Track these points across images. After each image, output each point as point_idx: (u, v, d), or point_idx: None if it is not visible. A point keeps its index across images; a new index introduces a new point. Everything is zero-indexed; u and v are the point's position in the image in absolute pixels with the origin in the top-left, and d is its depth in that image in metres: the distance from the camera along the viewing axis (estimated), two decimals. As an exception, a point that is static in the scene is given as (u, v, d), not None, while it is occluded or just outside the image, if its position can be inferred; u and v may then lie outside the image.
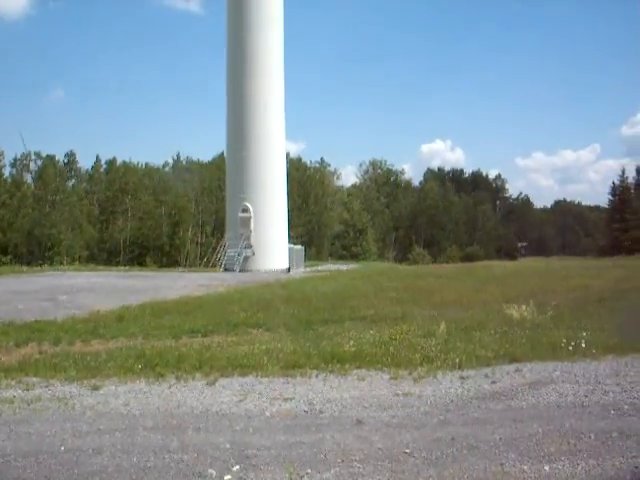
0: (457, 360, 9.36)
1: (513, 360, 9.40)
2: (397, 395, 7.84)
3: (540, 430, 6.36)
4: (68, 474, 5.39)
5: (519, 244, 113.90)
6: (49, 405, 7.60)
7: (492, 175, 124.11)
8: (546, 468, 5.37)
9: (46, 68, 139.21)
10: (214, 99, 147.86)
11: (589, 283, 22.12)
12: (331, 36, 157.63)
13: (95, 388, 8.31)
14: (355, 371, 9.01)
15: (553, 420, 6.73)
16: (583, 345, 10.00)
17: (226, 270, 36.79)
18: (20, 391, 8.21)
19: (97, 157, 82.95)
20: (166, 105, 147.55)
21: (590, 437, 6.11)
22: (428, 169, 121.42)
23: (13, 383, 8.59)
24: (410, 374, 8.78)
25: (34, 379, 8.77)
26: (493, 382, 8.38)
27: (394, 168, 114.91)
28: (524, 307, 13.62)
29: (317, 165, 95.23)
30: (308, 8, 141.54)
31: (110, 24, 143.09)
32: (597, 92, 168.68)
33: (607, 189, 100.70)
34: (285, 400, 7.68)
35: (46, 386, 8.44)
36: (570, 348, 9.91)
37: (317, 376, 8.82)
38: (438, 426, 6.66)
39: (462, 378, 8.56)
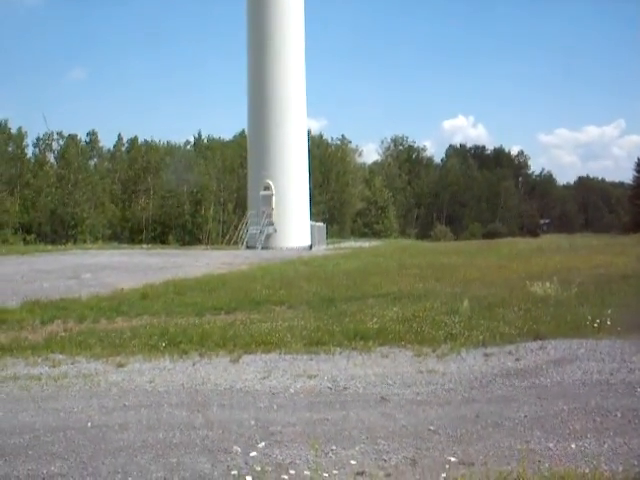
0: (481, 337, 9.34)
1: (537, 337, 9.34)
2: (421, 372, 7.84)
3: (565, 408, 6.33)
4: (95, 449, 5.45)
5: (542, 221, 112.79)
6: (75, 382, 7.69)
7: (514, 151, 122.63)
8: (572, 446, 5.34)
9: (67, 48, 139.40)
10: (235, 77, 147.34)
11: (613, 260, 21.89)
12: (352, 13, 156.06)
13: (120, 365, 8.39)
14: (378, 348, 9.01)
15: (578, 398, 6.70)
16: (608, 323, 9.91)
17: (248, 248, 36.86)
18: (47, 368, 8.32)
19: (119, 136, 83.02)
20: (187, 83, 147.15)
21: (616, 415, 6.08)
22: (450, 146, 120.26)
23: (40, 360, 8.70)
24: (434, 351, 8.77)
25: (60, 356, 8.87)
26: (517, 359, 8.35)
27: (416, 145, 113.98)
28: (548, 284, 13.49)
29: (338, 142, 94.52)
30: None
31: (130, 3, 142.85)
32: (621, 66, 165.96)
33: (632, 165, 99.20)
34: (309, 377, 7.71)
35: (72, 363, 8.55)
36: (595, 326, 9.82)
37: (340, 353, 8.83)
38: (462, 403, 6.65)
39: (486, 355, 8.54)
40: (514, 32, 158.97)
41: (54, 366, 8.39)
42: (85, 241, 58.25)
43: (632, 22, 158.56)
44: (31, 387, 7.49)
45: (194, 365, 8.39)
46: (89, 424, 6.14)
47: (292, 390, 7.25)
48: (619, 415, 6.08)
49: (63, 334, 10.34)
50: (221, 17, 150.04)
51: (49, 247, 39.11)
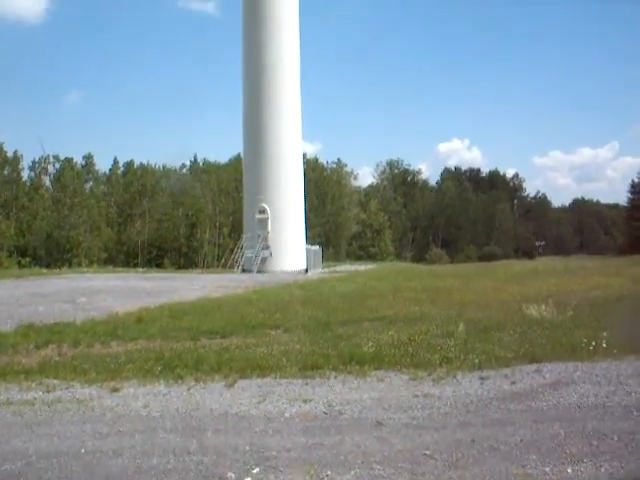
0: (476, 361, 9.30)
1: (533, 360, 9.31)
2: (417, 396, 7.81)
3: (562, 431, 6.31)
4: (88, 476, 5.42)
5: (537, 243, 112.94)
6: (69, 407, 7.64)
7: (509, 174, 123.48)
8: (569, 470, 5.32)
9: (63, 72, 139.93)
10: (230, 101, 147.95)
11: (608, 282, 21.92)
12: (347, 36, 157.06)
13: (114, 390, 8.34)
14: (374, 372, 8.97)
15: (575, 421, 6.68)
16: (604, 345, 9.90)
17: (244, 271, 36.81)
18: (40, 393, 8.27)
19: (115, 159, 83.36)
20: (182, 107, 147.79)
21: (613, 439, 6.05)
22: (445, 168, 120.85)
23: (33, 385, 8.64)
24: (429, 375, 8.74)
25: (54, 381, 8.82)
26: (513, 383, 8.33)
27: (411, 168, 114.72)
28: (543, 307, 13.49)
29: (334, 166, 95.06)
30: (324, 10, 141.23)
31: (125, 27, 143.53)
32: (615, 89, 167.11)
33: (626, 187, 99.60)
34: (304, 401, 7.68)
35: (66, 388, 8.50)
36: (591, 348, 9.80)
37: (336, 377, 8.79)
38: (458, 427, 6.62)
39: (482, 379, 8.51)
40: (508, 55, 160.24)
41: (48, 391, 8.35)
42: (80, 264, 58.13)
43: (625, 45, 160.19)
44: (24, 412, 7.43)
45: (189, 390, 8.35)
46: (83, 450, 6.09)
47: (287, 415, 7.22)
48: (616, 439, 6.05)
49: (57, 358, 10.29)
50: (217, 41, 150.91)
51: (44, 270, 39.02)
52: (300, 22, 40.31)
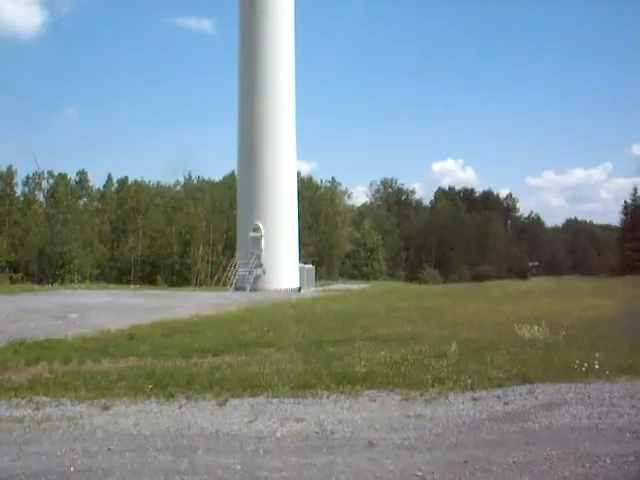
0: (469, 381, 9.28)
1: (526, 381, 9.31)
2: (409, 417, 7.77)
3: (554, 453, 6.28)
4: (77, 495, 5.36)
5: (530, 263, 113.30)
6: (59, 425, 7.57)
7: (503, 194, 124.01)
8: (561, 492, 5.30)
9: (58, 88, 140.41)
10: (225, 119, 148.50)
11: (601, 303, 21.96)
12: (342, 56, 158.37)
13: (105, 408, 8.28)
14: (366, 392, 8.94)
15: (567, 443, 6.65)
16: (596, 366, 9.90)
17: (237, 289, 36.75)
18: (30, 410, 8.19)
19: (109, 176, 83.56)
20: (177, 124, 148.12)
21: (605, 461, 6.03)
22: (439, 188, 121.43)
23: (23, 402, 8.57)
24: (422, 395, 8.71)
25: (44, 398, 8.75)
26: (506, 403, 8.30)
27: (405, 187, 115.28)
28: (536, 327, 13.50)
29: (328, 184, 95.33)
30: (319, 28, 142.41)
31: (122, 44, 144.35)
32: (607, 111, 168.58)
33: (619, 208, 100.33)
34: (296, 421, 7.63)
35: (56, 405, 8.43)
36: (583, 369, 9.80)
37: (328, 397, 8.75)
38: (450, 448, 6.59)
39: (474, 399, 8.49)
40: (501, 77, 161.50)
41: (38, 408, 8.27)
42: (73, 281, 57.93)
43: (617, 69, 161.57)
44: (13, 430, 7.36)
45: (180, 408, 8.30)
46: (72, 468, 6.04)
47: (279, 434, 7.17)
48: (608, 461, 6.03)
49: (48, 375, 10.21)
50: (213, 59, 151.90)
51: (36, 286, 38.90)
52: (296, 42, 40.65)
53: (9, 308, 21.27)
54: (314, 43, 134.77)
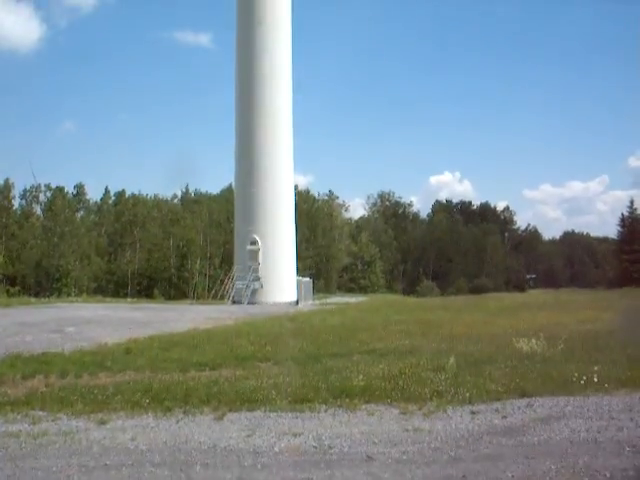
0: (467, 394, 9.26)
1: (524, 395, 9.30)
2: (407, 430, 7.74)
3: (553, 467, 6.26)
4: (74, 511, 5.32)
5: (528, 276, 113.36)
6: (55, 439, 7.53)
7: (500, 207, 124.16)
8: (560, 507, 5.27)
9: (56, 101, 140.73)
10: (223, 132, 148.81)
11: (599, 315, 21.96)
12: (339, 69, 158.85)
13: (102, 422, 8.24)
14: (364, 406, 8.92)
15: (566, 457, 6.63)
16: (595, 379, 9.89)
17: (234, 302, 36.65)
18: (26, 425, 8.15)
19: (106, 189, 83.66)
20: (175, 138, 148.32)
21: (605, 475, 6.01)
22: (436, 201, 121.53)
23: (19, 417, 8.53)
24: (420, 409, 8.68)
25: (40, 413, 8.71)
26: (504, 417, 8.28)
27: (402, 200, 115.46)
28: (534, 340, 13.48)
29: (325, 197, 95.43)
30: (315, 42, 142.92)
31: (120, 57, 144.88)
32: (604, 124, 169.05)
33: (616, 220, 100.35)
34: (294, 435, 7.60)
35: (52, 420, 8.38)
36: (582, 382, 9.79)
37: (326, 411, 8.73)
38: (449, 462, 6.56)
39: (473, 413, 8.47)
40: (499, 90, 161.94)
41: (34, 423, 8.23)
42: (70, 294, 57.80)
43: (613, 80, 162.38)
44: (9, 445, 7.31)
45: (178, 423, 8.26)
46: (68, 484, 6.00)
47: (276, 449, 7.13)
48: (608, 475, 6.01)
49: (44, 389, 10.16)
50: (210, 73, 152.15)
51: (33, 299, 38.79)
52: (293, 55, 40.72)
53: (6, 321, 21.19)
54: (311, 56, 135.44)
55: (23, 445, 7.34)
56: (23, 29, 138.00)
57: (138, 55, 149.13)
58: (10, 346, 14.32)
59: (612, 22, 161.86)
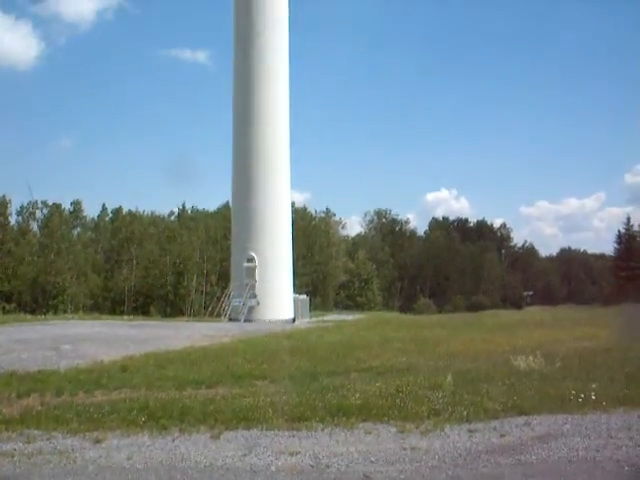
0: (465, 413, 9.22)
1: (522, 413, 9.26)
2: (404, 449, 7.70)
3: (552, 486, 6.22)
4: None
5: (525, 293, 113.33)
6: (50, 459, 7.47)
7: (497, 224, 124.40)
8: (559, 527, 5.23)
9: (53, 118, 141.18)
10: (220, 149, 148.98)
11: (596, 332, 21.94)
12: (336, 86, 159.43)
13: (97, 441, 8.18)
14: (361, 424, 8.87)
15: (565, 476, 6.60)
16: (593, 397, 9.86)
17: (231, 320, 36.56)
18: (21, 444, 8.07)
19: (103, 206, 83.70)
20: (172, 154, 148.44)
21: (604, 494, 5.97)
22: (433, 218, 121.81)
23: (14, 436, 8.46)
24: (417, 427, 8.64)
25: (35, 432, 8.63)
26: (502, 435, 8.24)
27: (399, 217, 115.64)
28: (531, 358, 13.45)
29: (322, 215, 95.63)
30: (313, 61, 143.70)
31: (116, 75, 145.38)
32: (600, 141, 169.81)
33: (612, 237, 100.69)
34: (291, 454, 7.55)
35: (47, 439, 8.31)
36: (580, 400, 9.76)
37: (323, 429, 8.68)
38: (447, 482, 6.52)
39: (470, 431, 8.42)
40: (495, 107, 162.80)
41: (28, 442, 8.16)
42: (66, 311, 57.74)
43: (609, 98, 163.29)
44: (3, 464, 7.25)
45: (174, 441, 8.20)
46: (63, 504, 5.95)
47: (273, 468, 7.09)
48: (606, 494, 5.97)
49: (39, 408, 10.08)
50: (208, 90, 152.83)
51: (29, 317, 38.68)
52: (290, 73, 40.90)
53: (1, 339, 21.09)
54: (310, 75, 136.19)
55: (17, 465, 7.27)
56: (22, 46, 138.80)
57: (135, 72, 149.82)
58: (5, 364, 14.24)
59: (609, 41, 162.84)
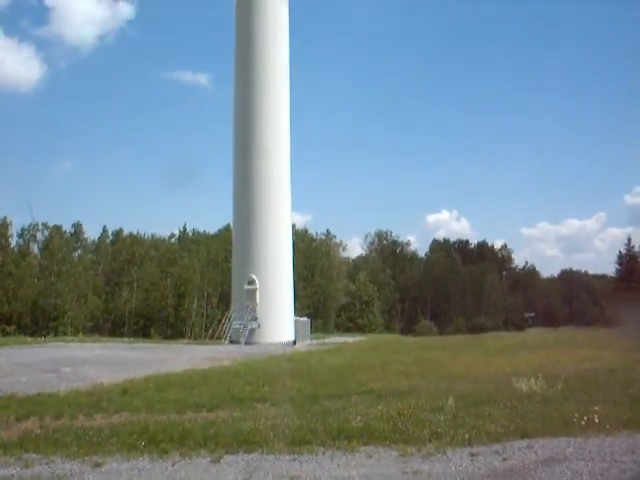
0: (467, 436, 9.16)
1: (524, 436, 9.20)
2: (406, 473, 7.64)
3: (555, 511, 6.16)
4: None
5: (526, 314, 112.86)
6: (49, 484, 7.41)
7: (498, 245, 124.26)
8: None
9: (55, 140, 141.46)
10: (221, 171, 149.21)
11: (598, 354, 21.86)
12: (335, 107, 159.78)
13: (97, 465, 8.12)
14: (363, 448, 8.81)
15: (568, 500, 6.53)
16: (596, 420, 9.79)
17: (231, 342, 36.45)
18: (19, 468, 8.02)
19: (104, 228, 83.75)
20: (173, 177, 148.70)
21: (608, 519, 5.91)
22: (434, 240, 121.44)
23: (12, 460, 8.40)
24: (419, 451, 8.58)
25: (34, 456, 8.58)
26: (504, 459, 8.18)
27: (400, 239, 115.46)
28: (533, 380, 13.38)
29: (323, 237, 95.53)
30: (314, 79, 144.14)
31: (117, 97, 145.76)
32: (600, 161, 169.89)
33: (614, 258, 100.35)
34: (291, 478, 7.51)
35: (46, 463, 8.26)
36: (583, 423, 9.69)
37: (324, 453, 8.62)
38: (449, 506, 6.47)
39: (472, 455, 8.36)
40: (494, 129, 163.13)
41: (27, 466, 8.10)
42: (66, 333, 57.52)
43: (609, 120, 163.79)
44: (1, 490, 7.21)
45: (174, 465, 8.15)
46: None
47: (274, 492, 7.03)
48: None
49: (39, 431, 10.04)
50: (208, 112, 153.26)
51: (29, 339, 38.54)
52: (291, 95, 41.13)
53: (1, 361, 21.05)
54: (310, 96, 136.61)
55: (15, 489, 7.22)
56: (24, 69, 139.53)
57: (136, 93, 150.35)
58: (4, 387, 14.20)
59: (609, 56, 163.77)
